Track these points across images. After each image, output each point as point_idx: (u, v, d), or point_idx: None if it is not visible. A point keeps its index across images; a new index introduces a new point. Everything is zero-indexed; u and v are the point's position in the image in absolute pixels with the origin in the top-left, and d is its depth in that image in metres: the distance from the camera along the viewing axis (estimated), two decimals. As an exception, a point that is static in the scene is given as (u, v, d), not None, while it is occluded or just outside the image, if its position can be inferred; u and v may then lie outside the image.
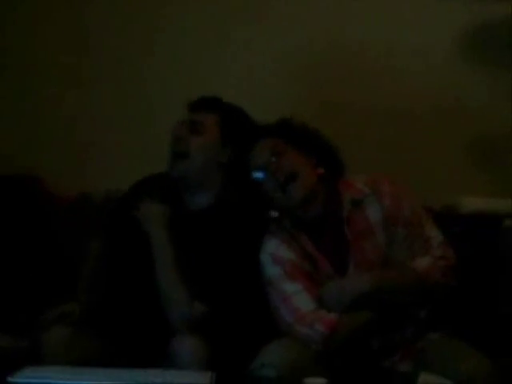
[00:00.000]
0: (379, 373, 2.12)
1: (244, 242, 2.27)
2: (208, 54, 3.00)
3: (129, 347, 2.26)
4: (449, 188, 2.83)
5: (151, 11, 3.04)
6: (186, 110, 2.42)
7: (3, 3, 3.06)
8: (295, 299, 2.14)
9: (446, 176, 2.91)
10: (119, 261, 2.40)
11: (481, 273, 2.52)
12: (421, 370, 2.05)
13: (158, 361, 2.15)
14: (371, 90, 2.96)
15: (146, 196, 2.36)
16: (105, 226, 2.52)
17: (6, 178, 2.99)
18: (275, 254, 2.21)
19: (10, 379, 1.87)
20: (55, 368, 1.98)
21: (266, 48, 2.98)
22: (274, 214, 2.24)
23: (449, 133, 2.93)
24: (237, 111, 2.41)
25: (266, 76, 2.98)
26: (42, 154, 3.07)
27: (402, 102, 2.95)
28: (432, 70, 2.95)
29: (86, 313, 2.32)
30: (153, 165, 2.46)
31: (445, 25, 2.93)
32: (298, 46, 2.95)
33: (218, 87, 2.75)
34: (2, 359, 2.23)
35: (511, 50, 2.86)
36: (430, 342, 2.16)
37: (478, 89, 2.93)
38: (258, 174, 2.21)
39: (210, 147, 2.36)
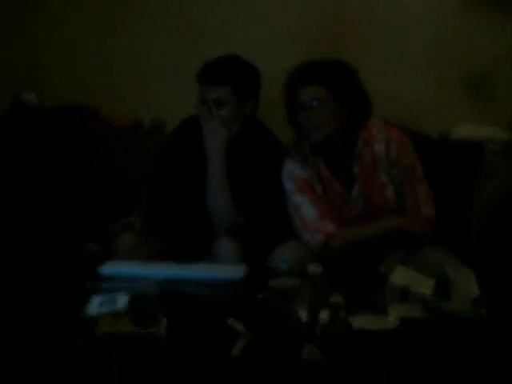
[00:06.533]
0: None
1: (271, 164, 2.60)
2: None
3: (181, 249, 2.55)
4: (443, 117, 3.09)
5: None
6: (197, 81, 2.61)
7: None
8: (303, 209, 2.48)
9: (441, 107, 3.14)
10: (174, 185, 2.71)
11: (460, 190, 2.78)
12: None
13: (203, 258, 2.50)
14: (375, 27, 3.18)
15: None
16: (159, 163, 2.79)
17: (61, 108, 3.24)
18: (291, 171, 2.54)
19: (99, 270, 2.36)
20: (128, 263, 2.43)
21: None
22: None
23: (446, 68, 3.17)
24: (249, 73, 2.61)
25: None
26: (97, 84, 3.29)
27: (403, 40, 3.15)
28: (432, 9, 3.13)
29: (146, 223, 2.62)
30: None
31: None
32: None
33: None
34: (95, 258, 2.55)
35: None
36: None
37: (475, 28, 3.12)
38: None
39: (233, 114, 2.61)
